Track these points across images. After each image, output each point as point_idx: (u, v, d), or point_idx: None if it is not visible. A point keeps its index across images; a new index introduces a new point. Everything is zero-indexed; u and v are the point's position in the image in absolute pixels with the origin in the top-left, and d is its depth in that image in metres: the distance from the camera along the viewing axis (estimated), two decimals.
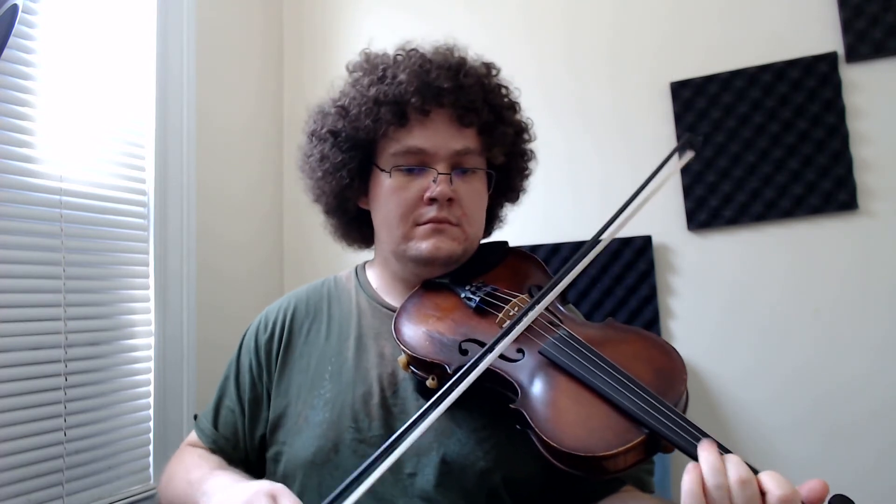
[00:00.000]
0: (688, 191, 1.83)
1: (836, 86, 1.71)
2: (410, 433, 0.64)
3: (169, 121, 1.74)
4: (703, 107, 1.83)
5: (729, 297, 1.79)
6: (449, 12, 2.14)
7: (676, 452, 0.63)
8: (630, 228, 1.83)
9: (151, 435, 1.62)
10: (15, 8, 0.87)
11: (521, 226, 1.96)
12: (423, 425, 0.65)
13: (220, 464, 0.91)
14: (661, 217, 1.86)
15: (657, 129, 1.88)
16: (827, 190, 1.70)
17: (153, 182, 1.68)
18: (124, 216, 1.60)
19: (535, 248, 1.94)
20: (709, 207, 1.80)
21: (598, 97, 1.96)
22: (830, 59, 1.72)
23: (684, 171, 1.83)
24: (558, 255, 1.92)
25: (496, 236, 1.06)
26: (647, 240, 1.85)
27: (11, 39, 1.01)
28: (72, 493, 1.38)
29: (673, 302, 1.84)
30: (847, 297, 1.69)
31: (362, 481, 0.63)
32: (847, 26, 1.71)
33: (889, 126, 1.67)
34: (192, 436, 1.00)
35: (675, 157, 0.73)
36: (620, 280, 1.86)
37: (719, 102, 1.82)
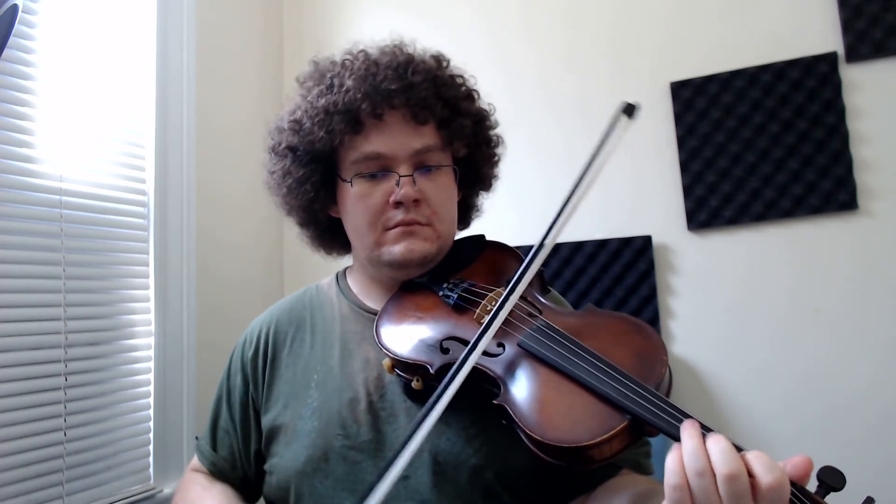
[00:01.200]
0: (688, 191, 1.83)
1: (836, 86, 1.71)
2: (410, 444, 0.64)
3: (169, 121, 1.74)
4: (703, 107, 1.83)
5: (729, 298, 1.79)
6: (449, 12, 2.14)
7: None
8: (630, 228, 1.86)
9: (151, 435, 1.62)
10: (15, 8, 0.87)
11: (520, 226, 1.97)
12: (421, 432, 0.65)
13: (224, 491, 0.92)
14: (661, 217, 1.86)
15: (657, 129, 1.88)
16: (827, 190, 1.70)
17: (153, 182, 1.68)
18: (124, 216, 1.60)
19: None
20: (709, 207, 1.80)
21: (598, 97, 1.96)
22: (830, 59, 1.72)
23: (684, 171, 1.83)
24: (558, 254, 1.92)
25: (489, 231, 1.05)
26: (647, 240, 1.85)
27: (11, 39, 1.01)
28: (72, 493, 1.38)
29: (673, 302, 1.84)
30: (847, 298, 1.69)
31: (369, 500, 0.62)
32: (847, 26, 1.71)
33: (889, 126, 1.67)
34: (195, 460, 1.00)
35: (620, 123, 0.73)
36: (620, 280, 1.86)
37: (719, 102, 1.82)
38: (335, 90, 0.87)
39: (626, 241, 1.87)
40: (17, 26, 0.91)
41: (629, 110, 0.72)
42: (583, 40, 1.99)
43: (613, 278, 1.87)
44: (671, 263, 1.85)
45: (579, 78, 1.98)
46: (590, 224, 1.92)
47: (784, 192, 1.74)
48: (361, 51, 0.91)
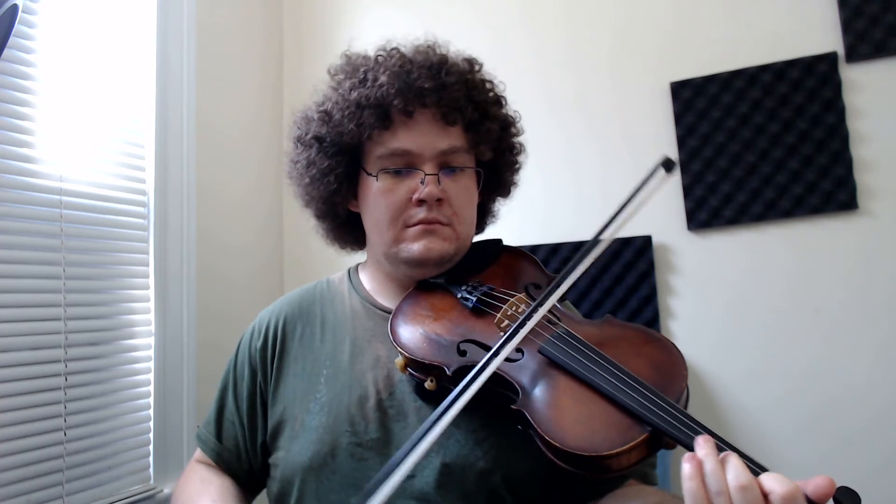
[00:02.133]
0: (688, 191, 1.83)
1: (836, 86, 1.71)
2: (423, 441, 0.64)
3: (169, 121, 1.74)
4: (703, 107, 1.83)
5: (729, 298, 1.79)
6: (449, 12, 2.14)
7: (678, 447, 0.62)
8: (630, 228, 1.85)
9: (151, 435, 1.62)
10: (15, 8, 0.87)
11: (521, 226, 1.97)
12: (434, 433, 0.64)
13: (222, 490, 0.91)
14: (661, 217, 1.86)
15: (657, 129, 1.88)
16: (827, 190, 1.70)
17: (153, 182, 1.68)
18: (124, 216, 1.60)
19: (535, 249, 1.94)
20: (709, 207, 1.80)
21: (599, 97, 1.96)
22: (830, 59, 1.72)
23: (684, 171, 1.83)
24: (558, 255, 1.92)
25: (490, 232, 1.05)
26: (647, 240, 1.85)
27: (11, 39, 1.01)
28: (72, 493, 1.38)
29: (673, 302, 1.84)
30: (847, 298, 1.68)
31: (374, 497, 0.62)
32: (847, 26, 1.71)
33: (889, 126, 1.67)
34: (200, 451, 0.99)
35: (656, 175, 0.74)
36: (620, 280, 1.86)
37: (719, 102, 1.82)
38: (368, 84, 0.88)
39: (626, 241, 1.86)
40: (17, 26, 0.91)
41: (668, 165, 0.73)
42: (583, 40, 1.99)
43: (613, 278, 1.87)
44: (671, 263, 1.85)
45: (579, 78, 1.98)
46: (589, 224, 1.92)
47: (784, 192, 1.74)
48: (395, 48, 0.92)
